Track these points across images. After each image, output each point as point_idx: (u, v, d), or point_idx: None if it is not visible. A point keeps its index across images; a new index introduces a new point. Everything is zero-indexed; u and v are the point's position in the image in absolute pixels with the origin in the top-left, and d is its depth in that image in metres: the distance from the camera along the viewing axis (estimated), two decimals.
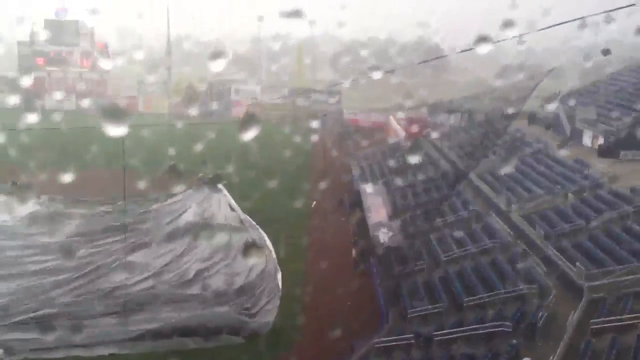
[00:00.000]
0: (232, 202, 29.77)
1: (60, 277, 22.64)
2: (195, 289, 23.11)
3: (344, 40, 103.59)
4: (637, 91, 43.22)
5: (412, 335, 20.43)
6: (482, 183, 34.02)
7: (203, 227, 27.58)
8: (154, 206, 29.65)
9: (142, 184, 31.95)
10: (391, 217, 31.31)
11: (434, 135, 46.63)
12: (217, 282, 23.83)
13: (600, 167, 32.66)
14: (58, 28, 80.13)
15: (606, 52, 37.03)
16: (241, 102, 75.24)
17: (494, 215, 29.75)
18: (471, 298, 22.54)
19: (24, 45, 79.52)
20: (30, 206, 28.42)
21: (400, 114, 56.77)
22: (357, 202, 35.33)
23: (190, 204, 29.39)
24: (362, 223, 31.00)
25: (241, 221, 28.51)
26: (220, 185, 30.80)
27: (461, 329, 20.21)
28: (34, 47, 79.47)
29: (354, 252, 28.37)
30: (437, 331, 20.52)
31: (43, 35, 79.33)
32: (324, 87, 72.18)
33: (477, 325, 20.28)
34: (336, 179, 42.83)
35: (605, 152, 35.35)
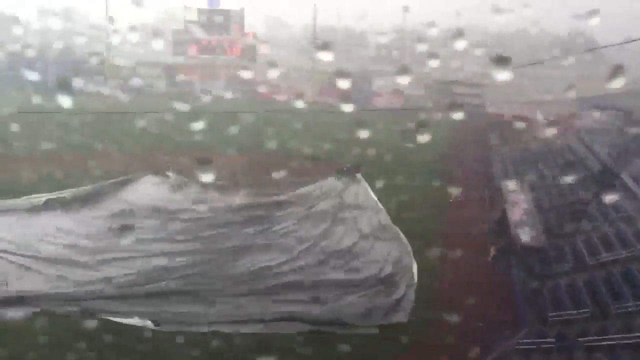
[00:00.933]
0: (370, 192, 30.04)
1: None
2: (336, 274, 23.62)
3: (491, 31, 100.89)
4: None
5: (553, 340, 19.60)
6: (635, 185, 31.96)
7: (340, 214, 28.09)
8: (295, 192, 30.55)
9: (285, 170, 32.96)
10: (534, 215, 30.17)
11: (584, 132, 44.51)
12: (359, 269, 24.24)
13: None
14: (210, 17, 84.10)
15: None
16: (382, 93, 75.49)
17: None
18: (619, 305, 21.27)
19: (179, 33, 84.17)
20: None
21: (547, 109, 54.70)
22: (498, 198, 34.39)
23: (329, 193, 29.98)
24: (503, 220, 30.08)
25: (379, 211, 28.70)
26: (359, 175, 31.19)
27: (607, 337, 19.11)
28: (188, 35, 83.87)
29: (492, 250, 27.65)
30: (580, 337, 19.56)
31: (195, 24, 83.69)
32: (468, 79, 70.87)
33: (624, 335, 19.10)
34: (477, 174, 41.98)
35: None
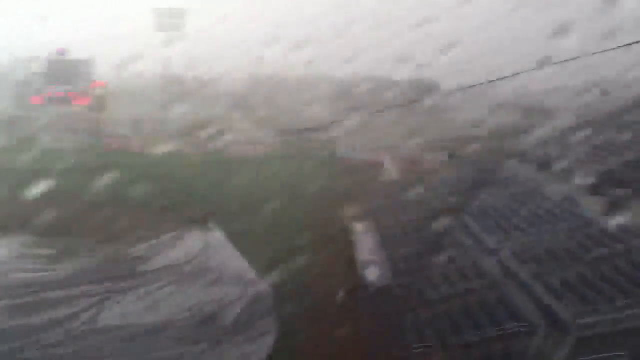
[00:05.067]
0: (223, 239, 29.82)
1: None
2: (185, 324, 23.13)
3: (339, 79, 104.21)
4: (630, 131, 43.43)
5: None
6: (472, 221, 33.87)
7: (190, 265, 27.70)
8: (143, 245, 29.75)
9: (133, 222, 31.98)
10: (382, 254, 31.10)
11: (428, 173, 46.73)
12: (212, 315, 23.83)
13: (591, 205, 32.51)
14: (58, 68, 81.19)
15: (605, 92, 37.69)
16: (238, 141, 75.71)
17: (484, 253, 29.53)
18: (459, 337, 22.25)
19: (21, 85, 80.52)
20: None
21: (394, 153, 57.04)
22: (348, 240, 35.15)
23: (179, 244, 29.51)
24: (351, 261, 30.77)
25: (230, 258, 28.53)
26: (211, 224, 30.89)
27: None
28: (32, 86, 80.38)
29: (341, 292, 28.07)
30: None
31: (42, 75, 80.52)
32: (319, 126, 72.58)
33: None
34: (328, 216, 42.65)
35: (596, 190, 35.34)
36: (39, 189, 34.46)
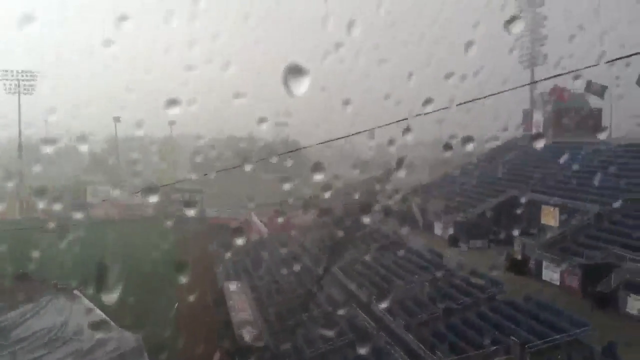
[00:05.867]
0: (90, 305, 28.70)
1: None
2: None
3: (203, 138, 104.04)
4: (482, 183, 46.80)
5: None
6: (342, 276, 34.80)
7: (56, 333, 26.45)
8: (5, 315, 28.07)
9: None
10: (256, 315, 31.18)
11: (295, 232, 47.46)
12: None
13: (452, 255, 34.52)
14: None
15: (447, 147, 40.05)
16: (96, 204, 73.20)
17: (356, 307, 30.36)
18: None
19: None
20: None
21: (260, 212, 57.57)
22: (221, 300, 34.93)
23: (43, 311, 28.07)
24: (227, 322, 30.59)
25: (100, 324, 27.48)
26: (76, 292, 29.66)
27: None
28: None
29: (217, 354, 27.84)
30: None
31: None
32: (183, 186, 71.85)
33: None
34: (200, 277, 42.12)
35: (454, 241, 37.70)
36: None
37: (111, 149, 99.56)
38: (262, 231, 53.56)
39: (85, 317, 27.40)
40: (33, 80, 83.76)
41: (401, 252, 37.00)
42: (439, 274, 31.91)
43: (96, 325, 26.54)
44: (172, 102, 10.67)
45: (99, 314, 27.05)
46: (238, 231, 51.45)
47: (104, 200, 70.13)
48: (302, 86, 5.57)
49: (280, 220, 50.68)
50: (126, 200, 70.49)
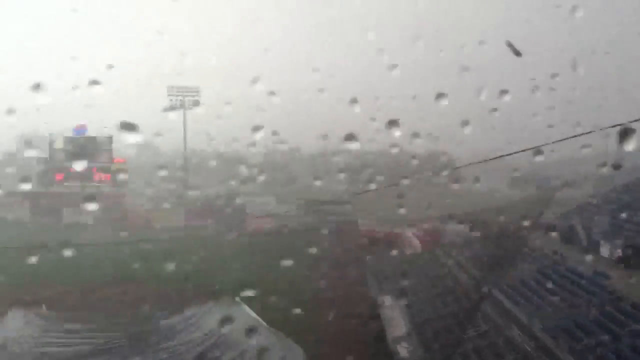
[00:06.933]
0: (252, 313, 29.72)
1: None
2: None
3: (355, 151, 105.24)
4: None
5: None
6: (501, 295, 33.66)
7: (218, 339, 27.53)
8: (169, 320, 29.71)
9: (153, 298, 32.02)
10: (411, 330, 30.85)
11: (451, 247, 46.71)
12: None
13: (619, 278, 32.32)
14: (77, 145, 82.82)
15: (617, 167, 37.54)
16: (254, 215, 76.14)
17: (515, 328, 29.27)
18: None
19: (42, 162, 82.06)
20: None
21: (414, 225, 57.10)
22: (374, 314, 34.92)
23: (205, 316, 29.39)
24: (381, 337, 30.49)
25: (263, 331, 28.30)
26: (237, 299, 30.85)
27: None
28: (52, 163, 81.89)
29: None
30: None
31: (64, 151, 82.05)
32: (336, 198, 72.96)
33: None
34: (354, 289, 42.50)
35: (624, 262, 35.18)
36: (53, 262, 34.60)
37: (267, 162, 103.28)
38: (416, 245, 53.11)
39: (247, 324, 28.26)
40: (197, 95, 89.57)
41: (563, 272, 35.25)
42: (605, 297, 30.04)
43: (259, 333, 27.33)
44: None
45: (261, 321, 27.90)
46: (391, 244, 51.74)
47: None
48: None
49: (434, 234, 50.19)
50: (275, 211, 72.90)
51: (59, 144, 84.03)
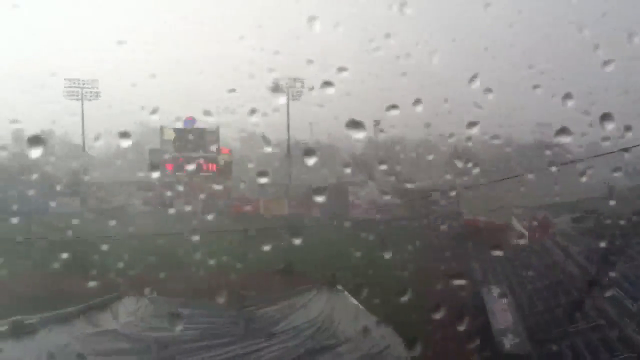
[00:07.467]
0: (354, 301, 29.47)
1: None
2: None
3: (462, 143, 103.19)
4: None
5: None
6: (616, 289, 31.88)
7: (320, 328, 27.45)
8: (273, 307, 29.93)
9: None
10: (517, 322, 29.78)
11: (561, 237, 44.90)
12: None
13: None
14: (187, 135, 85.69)
15: None
16: (359, 204, 76.22)
17: (631, 323, 27.63)
18: None
19: (155, 153, 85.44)
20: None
21: (521, 216, 55.47)
22: (479, 306, 33.99)
23: (307, 305, 29.38)
24: (486, 329, 29.59)
25: (369, 321, 27.92)
26: (339, 286, 30.68)
27: None
28: (163, 154, 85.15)
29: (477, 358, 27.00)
30: None
31: (172, 142, 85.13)
32: (443, 187, 71.76)
33: None
34: (455, 280, 41.54)
35: None
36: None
37: (370, 150, 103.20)
38: (523, 235, 51.38)
39: (350, 313, 28.03)
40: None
41: None
42: None
43: (362, 320, 27.03)
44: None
45: (364, 310, 27.58)
46: (496, 234, 50.31)
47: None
48: None
49: (544, 224, 48.48)
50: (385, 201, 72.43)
51: (169, 135, 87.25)
